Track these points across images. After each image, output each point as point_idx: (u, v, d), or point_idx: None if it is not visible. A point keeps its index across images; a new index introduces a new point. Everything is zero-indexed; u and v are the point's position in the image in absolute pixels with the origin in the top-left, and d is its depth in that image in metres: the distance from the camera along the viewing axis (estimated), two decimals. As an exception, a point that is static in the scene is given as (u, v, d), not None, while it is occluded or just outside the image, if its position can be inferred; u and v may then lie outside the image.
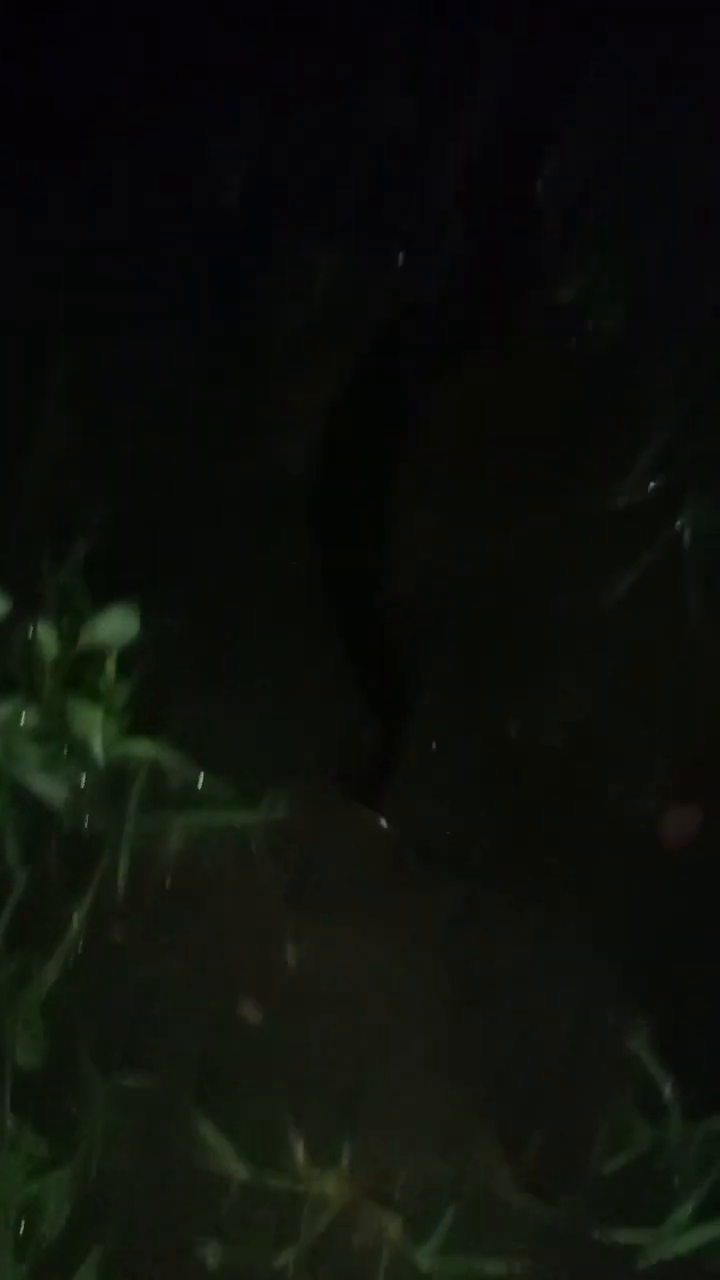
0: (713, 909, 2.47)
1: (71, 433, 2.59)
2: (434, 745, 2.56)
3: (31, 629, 2.17)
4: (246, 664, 2.50)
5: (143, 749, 2.21)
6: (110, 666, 2.14)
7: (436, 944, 2.33)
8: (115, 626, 2.20)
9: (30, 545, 2.38)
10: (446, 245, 2.92)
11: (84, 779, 2.20)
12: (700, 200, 2.86)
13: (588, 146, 2.86)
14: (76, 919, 2.22)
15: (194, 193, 2.90)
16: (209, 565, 2.58)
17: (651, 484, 2.85)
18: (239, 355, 2.82)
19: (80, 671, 2.21)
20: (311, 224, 2.85)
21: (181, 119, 2.88)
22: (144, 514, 2.56)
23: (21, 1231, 2.15)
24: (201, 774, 2.28)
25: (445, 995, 2.33)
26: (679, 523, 2.84)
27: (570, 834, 2.53)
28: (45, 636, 2.13)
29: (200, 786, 2.29)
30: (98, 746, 2.16)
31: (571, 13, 2.86)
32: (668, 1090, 2.31)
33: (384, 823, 2.43)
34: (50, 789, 2.17)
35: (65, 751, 2.20)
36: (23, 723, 2.16)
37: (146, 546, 2.50)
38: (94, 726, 2.14)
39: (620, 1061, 2.34)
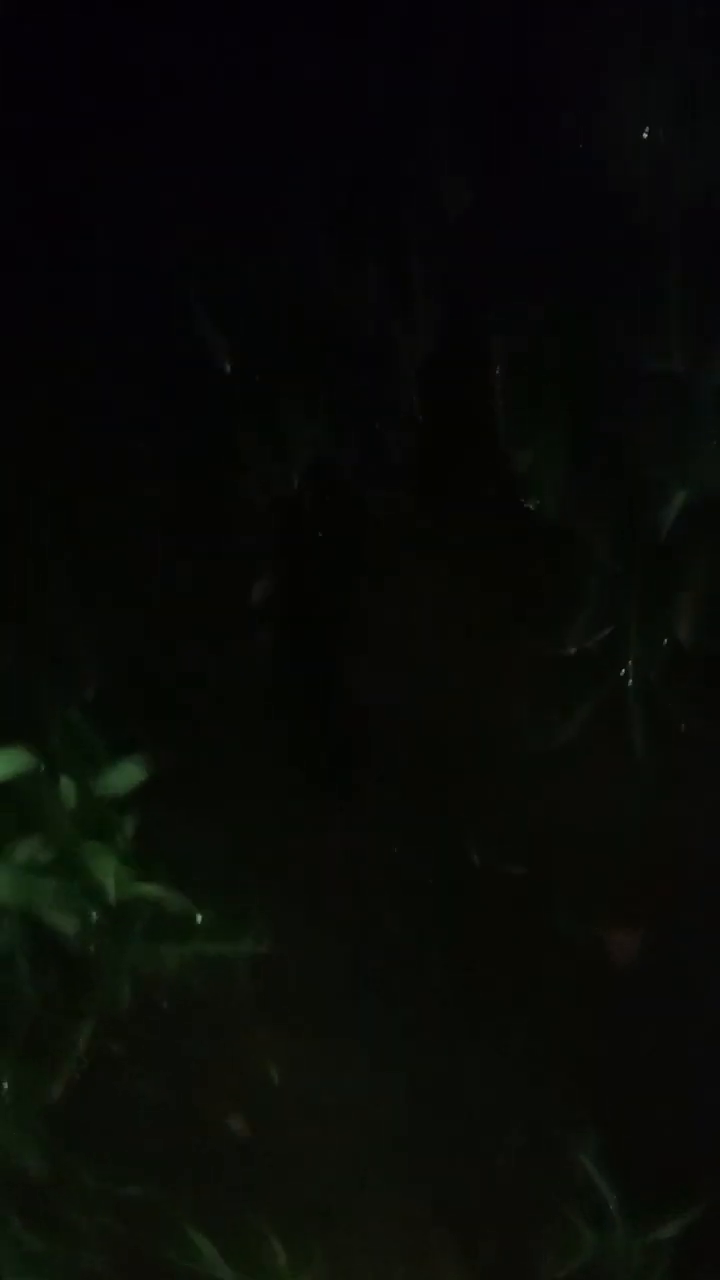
0: (654, 1028, 2.70)
1: (73, 590, 2.83)
2: (397, 871, 2.79)
3: (44, 770, 2.39)
4: (236, 801, 2.73)
5: (151, 890, 2.43)
6: (127, 822, 2.38)
7: (400, 1063, 2.55)
8: (125, 776, 2.44)
9: (39, 693, 2.61)
10: (413, 417, 3.21)
11: (94, 915, 2.42)
12: (630, 380, 3.17)
13: (541, 333, 3.17)
14: (80, 1037, 2.42)
15: (183, 364, 3.17)
16: (199, 707, 2.82)
17: (597, 634, 3.12)
18: (226, 512, 3.08)
19: (93, 816, 2.44)
20: (293, 396, 3.13)
21: (171, 305, 3.16)
22: (140, 661, 2.80)
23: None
24: (196, 907, 2.50)
25: (408, 1112, 2.55)
26: (623, 670, 3.10)
27: (522, 955, 2.76)
28: (65, 787, 2.36)
29: (195, 918, 2.51)
30: (111, 889, 2.39)
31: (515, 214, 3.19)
32: (613, 1201, 2.52)
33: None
34: (62, 921, 2.39)
35: (76, 886, 2.42)
36: (39, 861, 2.38)
37: (143, 690, 2.73)
38: (108, 871, 2.37)
39: (568, 1174, 2.55)
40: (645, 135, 3.15)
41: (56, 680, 2.69)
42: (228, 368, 3.18)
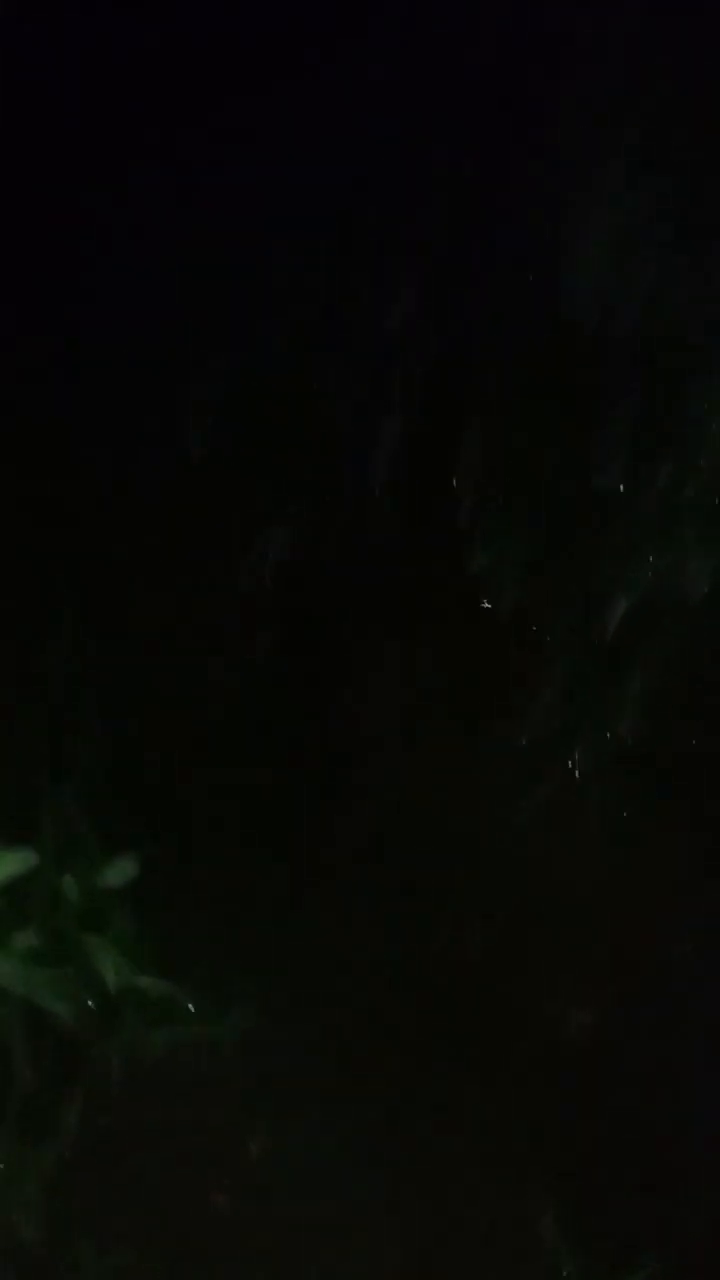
0: (611, 1101, 2.91)
1: (68, 694, 3.02)
2: (370, 955, 2.98)
3: (45, 866, 2.58)
4: (221, 893, 2.93)
5: (146, 981, 2.62)
6: (123, 915, 2.57)
7: (373, 1138, 2.74)
8: (120, 872, 2.65)
9: (39, 792, 2.81)
10: (380, 523, 3.44)
11: (91, 1002, 2.61)
12: (578, 496, 3.42)
13: (491, 449, 3.42)
14: (72, 1114, 2.61)
15: (166, 473, 3.37)
16: (188, 804, 3.01)
17: (549, 724, 3.34)
18: (204, 611, 3.28)
19: (92, 909, 2.63)
20: (267, 510, 3.35)
21: (156, 402, 3.36)
22: (132, 761, 3.00)
23: None
24: (186, 994, 2.69)
25: (380, 1183, 2.74)
26: (570, 761, 3.32)
27: (485, 1034, 2.96)
28: (67, 884, 2.55)
29: (178, 1001, 2.70)
30: (111, 979, 2.58)
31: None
32: (572, 1264, 2.71)
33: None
34: (60, 1008, 2.58)
35: (74, 975, 2.60)
36: (39, 950, 2.57)
37: (135, 789, 2.93)
38: (108, 962, 2.56)
39: (530, 1235, 2.74)
40: (593, 280, 3.41)
41: (55, 780, 2.87)
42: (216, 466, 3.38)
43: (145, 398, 3.35)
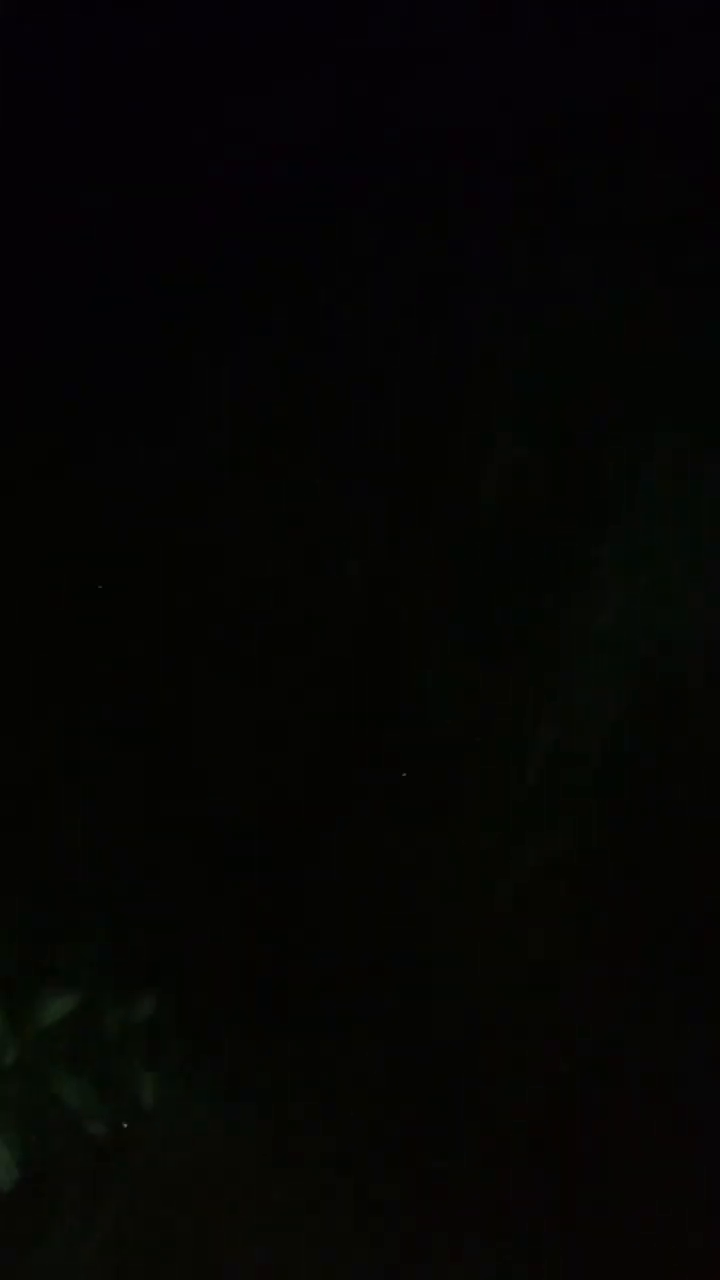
0: (590, 1203, 3.13)
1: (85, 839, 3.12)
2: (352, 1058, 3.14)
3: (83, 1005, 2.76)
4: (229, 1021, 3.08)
5: (175, 1093, 2.80)
6: (151, 1044, 2.75)
7: (373, 1230, 2.95)
8: (146, 1009, 2.84)
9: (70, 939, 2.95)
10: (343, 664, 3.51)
11: (125, 1124, 2.80)
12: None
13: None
14: (106, 1211, 2.80)
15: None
16: (188, 948, 3.13)
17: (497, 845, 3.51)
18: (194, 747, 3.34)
19: (126, 1040, 2.81)
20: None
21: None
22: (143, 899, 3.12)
23: None
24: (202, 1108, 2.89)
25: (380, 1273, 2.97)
26: (524, 874, 3.50)
27: (463, 1137, 3.14)
28: (110, 1018, 2.73)
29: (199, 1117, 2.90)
30: (149, 1098, 2.77)
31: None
32: None
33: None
34: (99, 1128, 2.77)
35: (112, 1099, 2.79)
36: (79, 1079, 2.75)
37: (147, 934, 3.07)
38: (146, 1086, 2.75)
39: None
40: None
41: (80, 922, 2.99)
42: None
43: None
